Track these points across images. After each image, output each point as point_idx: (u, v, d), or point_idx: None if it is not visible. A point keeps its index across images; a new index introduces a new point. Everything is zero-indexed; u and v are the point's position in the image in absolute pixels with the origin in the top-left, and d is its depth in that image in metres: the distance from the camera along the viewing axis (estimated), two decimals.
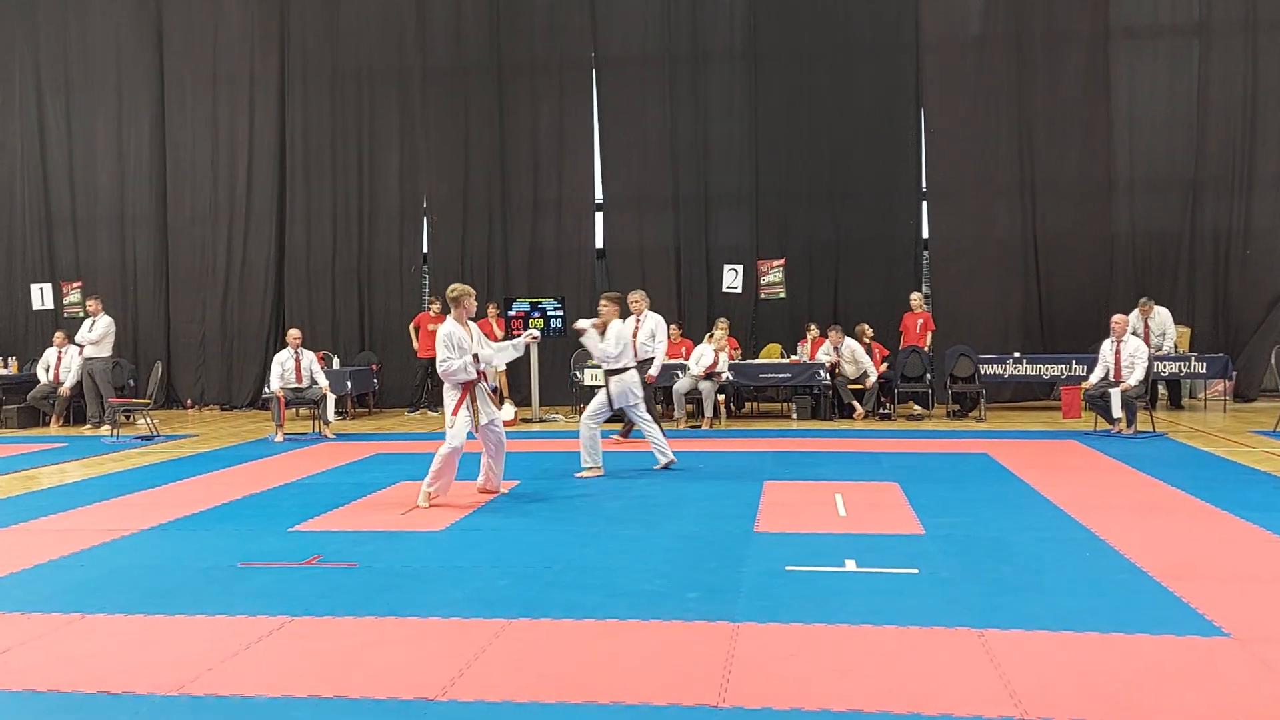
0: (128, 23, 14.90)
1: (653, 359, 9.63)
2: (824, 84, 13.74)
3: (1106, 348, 10.13)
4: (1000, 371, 12.16)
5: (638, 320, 9.81)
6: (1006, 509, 6.33)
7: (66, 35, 15.03)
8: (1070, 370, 11.95)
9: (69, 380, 12.46)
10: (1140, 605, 4.23)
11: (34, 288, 15.03)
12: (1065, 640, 3.79)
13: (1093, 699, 3.24)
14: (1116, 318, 10.20)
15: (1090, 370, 10.54)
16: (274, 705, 3.34)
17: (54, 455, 9.83)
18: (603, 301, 8.29)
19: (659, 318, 9.89)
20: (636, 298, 9.93)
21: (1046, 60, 13.39)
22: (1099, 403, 9.98)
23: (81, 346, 12.24)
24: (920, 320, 12.70)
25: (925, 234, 13.75)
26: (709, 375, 11.25)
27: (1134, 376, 9.83)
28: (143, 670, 3.66)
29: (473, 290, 6.93)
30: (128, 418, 11.65)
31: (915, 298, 12.88)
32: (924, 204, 13.76)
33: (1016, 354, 12.34)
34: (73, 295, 14.95)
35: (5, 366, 13.56)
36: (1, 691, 3.50)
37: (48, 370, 12.74)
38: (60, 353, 12.75)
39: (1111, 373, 10.01)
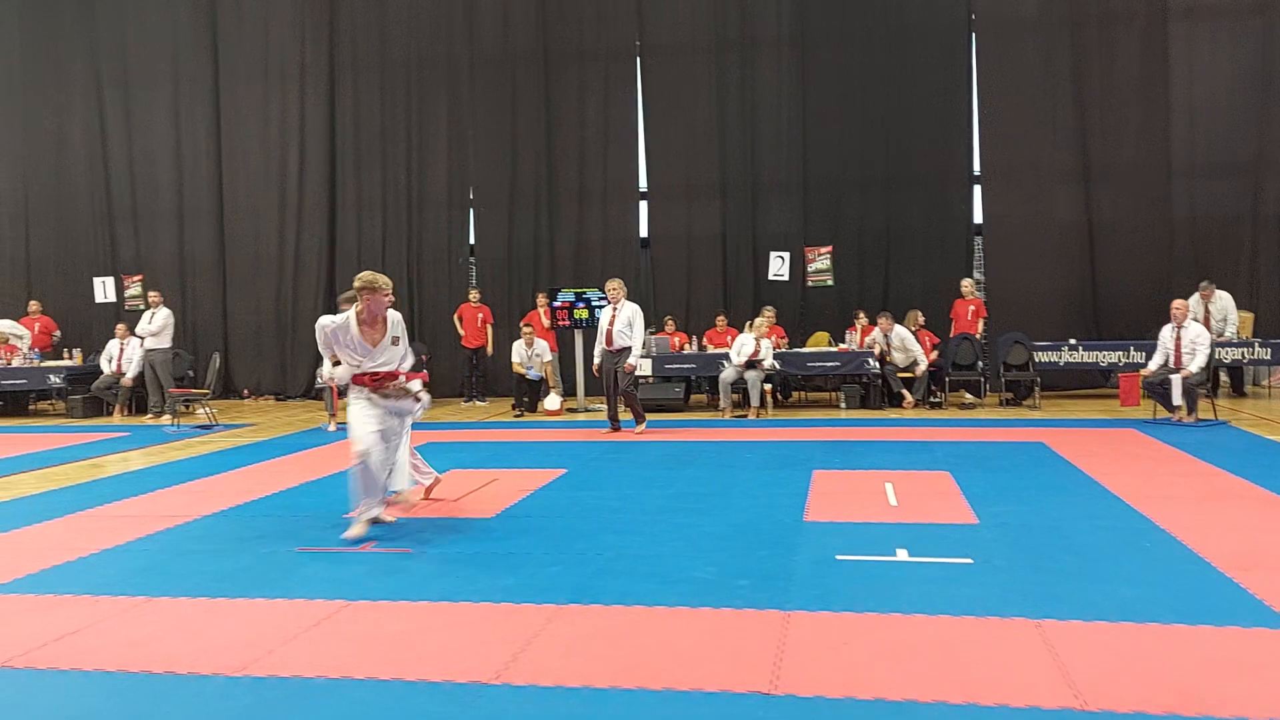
0: (183, 15, 15.17)
1: (629, 347, 9.59)
2: (874, 68, 13.54)
3: (1166, 333, 9.88)
4: (1055, 359, 11.92)
5: (614, 309, 9.74)
6: (1063, 498, 6.21)
7: (124, 29, 15.34)
8: (1128, 357, 11.67)
9: (131, 371, 12.81)
10: (1204, 596, 4.13)
11: (96, 281, 15.42)
12: (1125, 631, 3.72)
13: (1154, 691, 3.17)
14: (1176, 303, 9.94)
15: (1149, 357, 10.29)
16: (333, 686, 3.40)
17: (118, 444, 10.10)
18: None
19: (636, 307, 9.79)
20: (614, 286, 9.85)
21: (1103, 41, 13.04)
22: (1158, 390, 9.75)
23: (142, 338, 12.57)
24: (972, 307, 12.50)
25: (978, 219, 13.51)
26: (751, 364, 11.17)
27: (1195, 363, 9.58)
28: (206, 652, 3.75)
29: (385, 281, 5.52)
30: (187, 407, 11.93)
31: (966, 284, 12.67)
32: (976, 189, 13.51)
33: (1072, 340, 12.07)
34: (134, 288, 15.31)
35: (70, 358, 13.96)
36: (70, 672, 3.61)
37: (110, 361, 13.09)
38: (122, 344, 13.08)
39: (1171, 359, 9.76)
